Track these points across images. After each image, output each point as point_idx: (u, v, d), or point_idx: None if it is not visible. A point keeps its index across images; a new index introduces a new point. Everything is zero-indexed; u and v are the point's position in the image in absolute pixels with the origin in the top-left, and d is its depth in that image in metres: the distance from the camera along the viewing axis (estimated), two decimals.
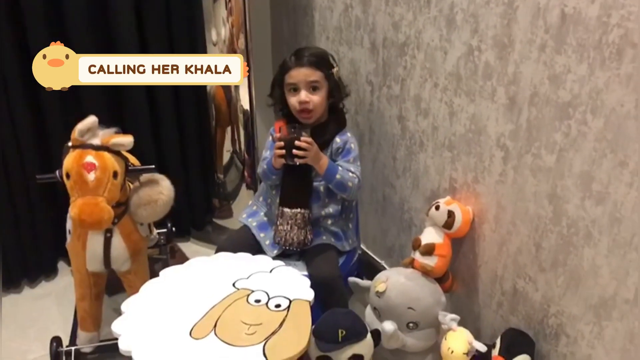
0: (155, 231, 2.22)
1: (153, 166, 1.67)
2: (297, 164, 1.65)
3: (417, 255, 1.64)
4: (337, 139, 1.77)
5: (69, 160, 1.51)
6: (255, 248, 1.82)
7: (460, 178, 1.67)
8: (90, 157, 1.51)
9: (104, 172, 1.51)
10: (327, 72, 1.72)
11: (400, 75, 1.83)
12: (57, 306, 2.11)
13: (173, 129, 2.36)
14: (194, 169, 2.46)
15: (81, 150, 1.52)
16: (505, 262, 1.57)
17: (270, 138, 1.83)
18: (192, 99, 2.35)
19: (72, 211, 1.48)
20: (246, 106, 2.26)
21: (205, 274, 1.65)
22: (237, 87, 2.25)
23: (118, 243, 1.68)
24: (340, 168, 1.72)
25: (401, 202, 1.97)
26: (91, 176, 1.49)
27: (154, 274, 1.62)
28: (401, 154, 1.91)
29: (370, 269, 2.15)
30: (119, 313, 1.43)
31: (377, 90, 1.97)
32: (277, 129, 1.79)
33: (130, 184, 1.73)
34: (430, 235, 1.65)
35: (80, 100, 2.13)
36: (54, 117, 2.08)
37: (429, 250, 1.62)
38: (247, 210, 1.93)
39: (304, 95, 1.70)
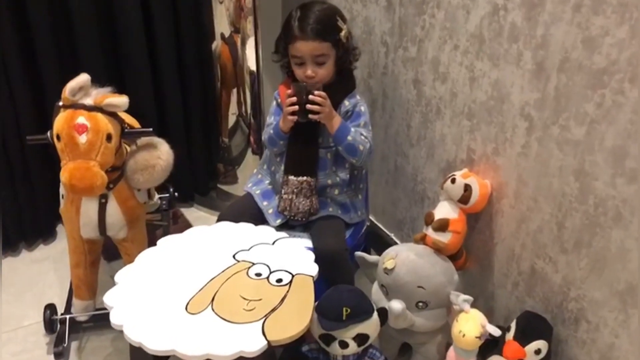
0: (157, 196, 2.13)
1: (151, 129, 1.57)
2: (312, 120, 1.55)
3: (429, 231, 1.54)
4: (346, 102, 1.66)
5: (60, 121, 1.41)
6: (259, 217, 1.73)
7: (479, 149, 1.56)
8: (82, 118, 1.41)
9: (96, 134, 1.41)
10: (335, 39, 1.59)
11: (418, 36, 1.70)
12: (54, 271, 2.05)
13: (175, 89, 2.24)
14: (198, 132, 2.34)
15: (72, 111, 1.41)
16: (524, 240, 1.46)
17: (275, 103, 1.72)
18: (196, 58, 2.23)
19: (63, 175, 1.39)
20: (253, 67, 2.15)
21: (205, 244, 1.57)
22: (243, 45, 2.14)
23: (113, 209, 1.59)
24: (352, 129, 1.61)
25: (414, 172, 1.86)
26: (83, 138, 1.40)
27: (154, 240, 1.54)
28: (416, 121, 1.79)
29: (378, 242, 2.06)
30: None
31: (392, 52, 1.84)
32: (281, 93, 1.67)
33: (127, 147, 1.63)
34: (444, 210, 1.54)
35: (78, 58, 2.02)
36: (51, 74, 1.97)
37: (442, 225, 1.51)
38: (252, 179, 1.84)
39: (310, 71, 1.59)
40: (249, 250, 1.54)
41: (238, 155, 2.37)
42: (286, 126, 1.61)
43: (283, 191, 1.67)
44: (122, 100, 1.45)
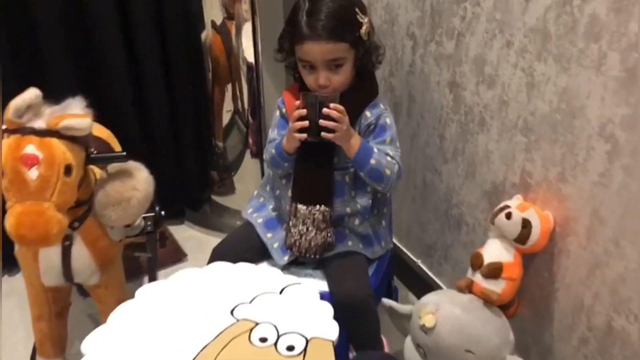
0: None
1: (124, 153, 1.25)
2: (325, 140, 1.22)
3: (477, 278, 1.23)
4: (367, 113, 1.33)
5: (3, 152, 1.08)
6: (261, 252, 1.43)
7: (537, 173, 1.24)
8: (31, 147, 1.08)
9: (50, 167, 1.09)
10: (354, 37, 1.26)
11: (456, 28, 1.37)
12: (19, 309, 1.73)
13: (159, 87, 1.92)
14: (187, 136, 2.03)
15: (19, 137, 1.09)
16: (598, 290, 1.15)
17: (278, 113, 1.40)
18: (183, 48, 1.90)
19: (8, 222, 1.07)
20: (250, 58, 1.83)
21: (194, 295, 1.25)
22: (238, 33, 1.82)
23: (81, 252, 1.28)
24: (375, 150, 1.29)
25: (448, 192, 1.54)
26: (33, 174, 1.08)
27: (138, 270, 1.22)
28: (452, 131, 1.47)
29: (402, 269, 1.76)
30: (96, 321, 1.06)
31: (421, 46, 1.51)
32: (287, 102, 1.35)
33: (95, 174, 1.30)
34: (495, 251, 1.23)
35: (39, 55, 1.68)
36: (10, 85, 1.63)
37: (494, 271, 1.20)
38: (253, 203, 1.51)
39: (322, 78, 1.26)
40: (250, 303, 1.22)
41: (235, 160, 2.05)
42: (291, 146, 1.29)
43: (291, 223, 1.35)
44: (83, 122, 1.12)
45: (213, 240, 1.95)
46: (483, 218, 1.43)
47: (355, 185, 1.36)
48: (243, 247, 1.43)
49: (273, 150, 1.34)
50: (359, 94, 1.33)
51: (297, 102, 1.24)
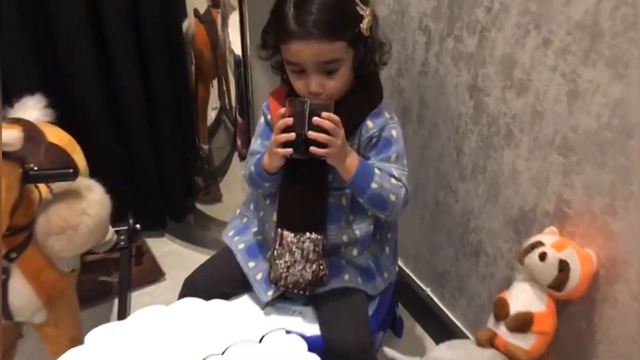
0: (111, 230, 1.58)
1: (70, 171, 1.02)
2: (315, 157, 1.00)
3: (501, 330, 1.01)
4: (369, 123, 1.09)
5: None
6: (242, 284, 1.22)
7: (578, 201, 1.01)
8: None
9: None
10: (353, 34, 1.03)
11: (480, 21, 1.13)
12: None
13: (134, 83, 1.68)
14: (168, 138, 1.81)
15: None
16: None
17: (262, 120, 1.17)
18: (162, 39, 1.67)
19: None
20: (238, 50, 1.62)
21: (157, 342, 1.03)
22: (224, 23, 1.60)
23: (20, 287, 1.06)
24: (377, 171, 1.07)
25: (465, 215, 1.31)
26: None
27: (106, 291, 1.00)
28: (471, 144, 1.23)
29: (407, 296, 1.53)
30: None
31: (436, 42, 1.27)
32: (272, 108, 1.12)
33: (40, 192, 1.08)
34: (524, 298, 1.01)
35: None
36: None
37: (523, 324, 0.98)
38: (235, 224, 1.29)
39: (314, 84, 1.03)
40: (222, 354, 1.00)
41: (221, 164, 1.83)
42: (274, 165, 1.06)
43: (275, 252, 1.13)
44: (13, 135, 0.89)
45: (196, 256, 1.74)
46: (506, 249, 1.20)
47: (354, 209, 1.13)
48: (220, 279, 1.22)
49: (252, 168, 1.11)
50: (359, 100, 1.10)
51: (282, 110, 1.01)
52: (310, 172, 1.08)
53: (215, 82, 1.71)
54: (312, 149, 0.99)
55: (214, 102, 1.74)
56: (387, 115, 1.11)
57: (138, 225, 1.66)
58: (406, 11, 1.33)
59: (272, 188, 1.12)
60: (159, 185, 1.86)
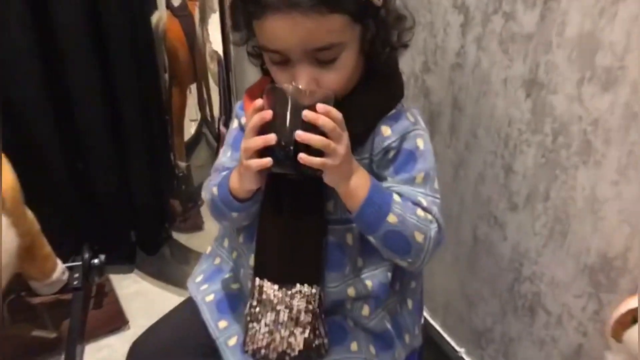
0: (60, 267, 1.28)
1: None
2: (304, 174, 0.69)
3: None
4: (385, 129, 0.76)
5: None
6: (210, 352, 0.87)
7: None
8: None
9: None
10: (357, 3, 0.70)
11: None
12: None
13: (92, 83, 1.40)
14: (135, 153, 1.52)
15: None
16: None
17: (236, 124, 0.87)
18: (126, 35, 1.38)
19: None
20: (220, 50, 1.37)
21: None
22: (203, 17, 1.35)
23: None
24: (396, 197, 0.74)
25: (516, 257, 0.97)
26: None
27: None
28: (527, 161, 0.90)
29: (434, 356, 1.18)
30: None
31: (477, 23, 0.94)
32: (248, 107, 0.79)
33: None
34: None
35: None
36: None
37: None
38: (204, 267, 0.97)
39: (304, 79, 0.70)
40: None
41: (202, 185, 1.50)
42: (245, 185, 0.74)
43: (252, 311, 0.80)
44: None
45: (169, 297, 1.45)
46: (578, 307, 0.86)
47: (364, 250, 0.80)
48: (179, 344, 0.90)
49: (215, 190, 0.79)
50: (370, 97, 0.77)
51: (258, 101, 0.69)
52: (300, 197, 0.76)
53: (193, 88, 1.44)
54: (303, 157, 0.66)
55: (192, 111, 1.46)
56: (409, 118, 0.78)
57: (97, 260, 1.37)
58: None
59: (244, 220, 0.80)
60: (126, 209, 1.58)
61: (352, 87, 0.76)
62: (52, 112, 1.38)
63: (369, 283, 0.81)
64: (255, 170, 0.69)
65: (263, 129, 0.68)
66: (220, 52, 1.36)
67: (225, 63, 1.41)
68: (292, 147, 0.66)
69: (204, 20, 1.35)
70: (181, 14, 1.36)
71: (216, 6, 1.35)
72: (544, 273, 0.92)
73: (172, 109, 1.46)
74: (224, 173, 0.80)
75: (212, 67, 1.39)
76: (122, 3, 1.36)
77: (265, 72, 0.81)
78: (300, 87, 0.69)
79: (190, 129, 1.48)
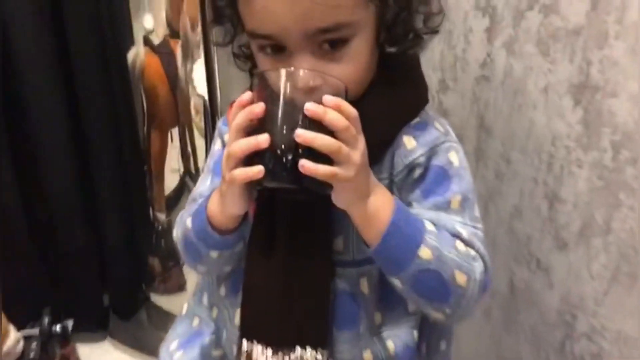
0: (14, 336, 1.08)
1: None
2: (307, 190, 0.52)
3: None
4: (408, 140, 0.61)
5: None
6: None
7: None
8: None
9: None
10: None
11: None
12: None
13: (58, 124, 1.26)
14: (108, 202, 1.37)
15: None
16: None
17: (218, 144, 0.71)
18: (99, 76, 1.26)
19: None
20: (203, 91, 1.26)
21: None
22: (185, 57, 1.23)
23: None
24: (429, 226, 0.57)
25: (567, 307, 0.80)
26: None
27: None
28: (578, 186, 0.74)
29: None
30: None
31: (507, 24, 0.81)
32: (231, 119, 0.61)
33: None
34: None
35: None
36: None
37: None
38: (179, 330, 0.78)
39: (305, 77, 0.53)
40: None
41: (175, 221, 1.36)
42: (228, 209, 0.59)
43: None
44: None
45: None
46: None
47: (383, 300, 0.64)
48: None
49: (189, 222, 0.62)
50: (389, 100, 0.61)
51: (246, 94, 0.52)
52: (300, 228, 0.60)
53: (175, 133, 1.30)
54: (306, 165, 0.49)
55: (173, 160, 1.32)
56: (438, 127, 0.62)
57: (59, 327, 1.19)
58: None
59: (227, 262, 0.64)
60: (97, 268, 1.41)
61: (365, 87, 0.60)
62: (12, 156, 1.22)
63: (390, 345, 0.63)
64: (240, 186, 0.52)
65: (252, 129, 0.51)
66: (206, 95, 1.25)
67: (211, 107, 1.29)
68: (290, 153, 0.49)
69: (187, 58, 1.23)
70: (162, 51, 1.24)
71: (201, 47, 1.24)
72: (606, 327, 0.73)
73: (150, 154, 1.32)
74: (200, 201, 0.63)
75: (198, 108, 1.25)
76: (94, 39, 1.24)
77: (253, 74, 0.65)
78: (301, 72, 0.52)
79: (172, 180, 1.33)
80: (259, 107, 0.51)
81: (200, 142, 1.32)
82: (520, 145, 0.80)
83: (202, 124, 1.31)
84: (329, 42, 0.55)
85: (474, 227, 0.60)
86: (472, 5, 0.83)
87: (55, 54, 1.22)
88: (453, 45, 0.88)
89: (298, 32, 0.54)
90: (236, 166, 0.51)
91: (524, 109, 0.78)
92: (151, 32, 1.23)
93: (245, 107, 0.52)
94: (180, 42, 1.24)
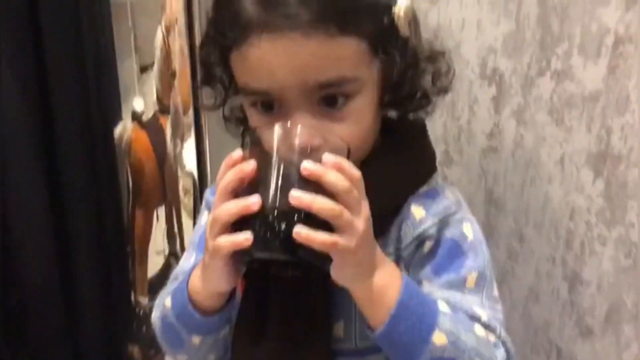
0: None
1: None
2: (304, 262, 0.45)
3: None
4: (417, 209, 0.55)
5: None
6: None
7: None
8: None
9: None
10: (376, 25, 0.51)
11: (611, 29, 0.62)
12: None
13: (37, 204, 1.16)
14: (88, 285, 1.25)
15: None
16: None
17: (205, 216, 0.63)
18: (83, 150, 1.19)
19: None
20: (193, 170, 1.24)
21: None
22: (175, 135, 1.22)
23: None
24: (442, 306, 0.51)
25: None
26: None
27: None
28: (604, 265, 0.67)
29: None
30: None
31: (515, 92, 0.76)
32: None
33: None
34: None
35: None
36: None
37: None
38: None
39: (302, 134, 0.47)
40: None
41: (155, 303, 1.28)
42: (212, 285, 0.51)
43: None
44: None
45: None
46: None
47: None
48: None
49: (168, 301, 0.54)
50: (394, 164, 0.56)
51: (235, 154, 0.46)
52: (294, 311, 0.53)
53: (161, 213, 1.26)
54: (302, 232, 0.43)
55: (158, 241, 1.26)
56: (449, 196, 0.56)
57: None
58: (455, 53, 0.82)
59: (210, 350, 0.56)
60: (71, 357, 1.27)
61: (366, 151, 0.54)
62: None
63: None
64: (226, 256, 0.45)
65: (242, 191, 0.45)
66: (193, 170, 1.21)
67: (201, 188, 1.24)
68: (284, 218, 0.43)
69: (176, 136, 1.20)
70: (150, 126, 1.20)
71: (192, 128, 1.22)
72: None
73: (134, 235, 1.25)
74: (182, 279, 0.55)
75: (185, 193, 1.22)
76: (78, 112, 1.18)
77: (246, 135, 0.59)
78: (298, 128, 0.46)
79: (155, 262, 1.26)
80: (250, 166, 0.45)
81: (187, 223, 1.27)
82: (534, 221, 0.74)
83: (191, 205, 1.27)
84: (329, 98, 0.50)
85: (493, 309, 0.53)
86: (478, 74, 0.79)
87: (38, 128, 1.15)
88: (457, 116, 0.83)
89: (296, 87, 0.49)
90: (222, 233, 0.45)
91: (538, 182, 0.73)
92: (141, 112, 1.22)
93: (234, 165, 0.46)
94: (170, 118, 1.21)
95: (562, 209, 0.70)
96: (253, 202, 0.43)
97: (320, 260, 0.45)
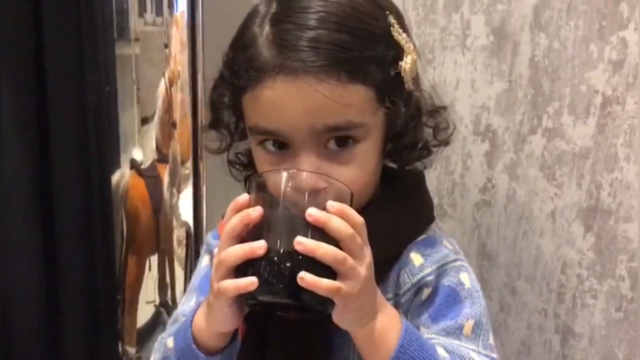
0: None
1: None
2: (306, 307, 0.46)
3: None
4: (416, 256, 0.57)
5: None
6: None
7: None
8: None
9: None
10: (383, 76, 0.53)
11: (600, 90, 0.65)
12: None
13: (29, 248, 1.14)
14: (75, 333, 1.20)
15: None
16: None
17: (206, 260, 0.66)
18: (79, 197, 1.17)
19: None
20: (188, 218, 1.22)
21: None
22: (172, 184, 1.21)
23: None
24: (439, 350, 0.51)
25: None
26: None
27: None
28: (596, 318, 0.68)
29: None
30: None
31: (507, 148, 0.79)
32: (224, 224, 0.56)
33: None
34: None
35: None
36: None
37: None
38: None
39: (308, 179, 0.49)
40: None
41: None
42: (216, 327, 0.52)
43: None
44: None
45: None
46: None
47: None
48: None
49: (170, 342, 0.54)
50: (394, 212, 0.58)
51: (241, 198, 0.47)
52: (296, 353, 0.53)
53: (154, 262, 1.23)
54: (306, 277, 0.44)
55: (149, 290, 1.24)
56: (447, 245, 0.58)
57: None
58: (450, 110, 0.84)
59: None
60: None
61: (368, 197, 0.56)
62: None
63: None
64: (230, 299, 0.46)
65: (247, 236, 0.46)
66: (189, 219, 1.20)
67: (196, 239, 1.23)
68: (288, 263, 0.44)
69: (173, 185, 1.19)
70: (148, 174, 1.19)
71: (190, 180, 1.22)
72: None
73: (125, 283, 1.23)
74: (183, 320, 0.56)
75: (179, 244, 1.21)
76: (76, 158, 1.17)
77: (250, 183, 0.61)
78: (304, 174, 0.48)
79: (146, 311, 1.23)
80: (256, 211, 0.46)
81: (180, 274, 1.25)
82: (526, 275, 0.75)
83: (184, 256, 1.26)
84: (336, 140, 0.52)
85: (490, 357, 0.54)
86: (471, 130, 0.82)
87: (36, 171, 1.16)
88: (451, 170, 0.86)
89: (305, 128, 0.51)
90: (227, 276, 0.46)
91: (530, 236, 0.74)
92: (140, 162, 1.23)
93: (240, 211, 0.47)
94: (168, 167, 1.22)
95: (554, 263, 0.72)
96: (259, 246, 0.44)
97: (323, 305, 0.46)
